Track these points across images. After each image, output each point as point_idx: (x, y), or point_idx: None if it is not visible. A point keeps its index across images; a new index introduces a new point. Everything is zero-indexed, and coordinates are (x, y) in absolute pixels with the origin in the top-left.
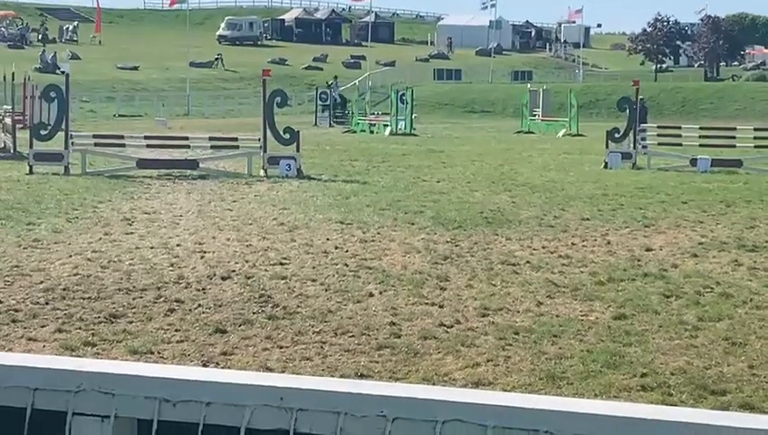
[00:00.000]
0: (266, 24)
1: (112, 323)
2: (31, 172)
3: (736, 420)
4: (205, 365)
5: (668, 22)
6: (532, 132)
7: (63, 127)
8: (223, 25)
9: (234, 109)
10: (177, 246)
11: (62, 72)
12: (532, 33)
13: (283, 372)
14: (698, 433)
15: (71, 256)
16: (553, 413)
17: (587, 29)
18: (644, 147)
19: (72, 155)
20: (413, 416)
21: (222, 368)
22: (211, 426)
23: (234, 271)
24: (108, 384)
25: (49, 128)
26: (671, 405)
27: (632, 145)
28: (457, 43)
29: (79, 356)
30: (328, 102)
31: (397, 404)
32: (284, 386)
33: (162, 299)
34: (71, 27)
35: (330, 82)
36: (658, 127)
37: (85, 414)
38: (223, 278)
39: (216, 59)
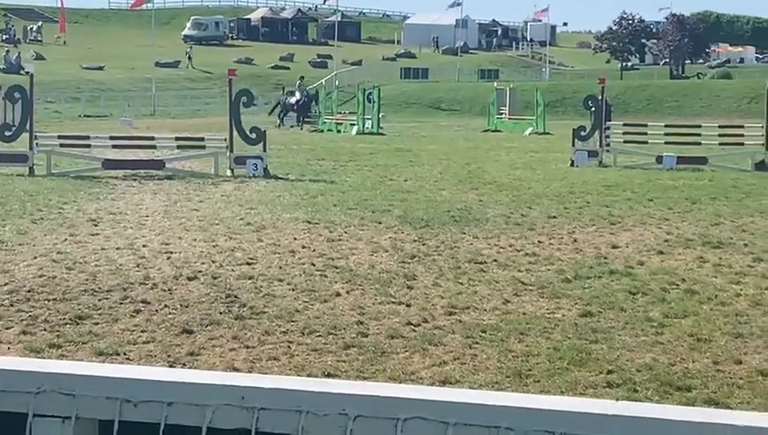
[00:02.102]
0: (232, 24)
1: (78, 324)
2: None
3: (700, 415)
4: (171, 366)
5: (634, 20)
6: (499, 131)
7: (28, 128)
8: (189, 25)
9: (200, 109)
10: (144, 246)
11: (27, 73)
12: (499, 32)
13: (249, 372)
14: (661, 429)
15: (35, 258)
16: (515, 410)
17: (553, 27)
18: (608, 144)
19: (36, 156)
20: (375, 414)
21: (188, 368)
22: (173, 426)
23: (200, 271)
24: (69, 385)
25: (13, 129)
26: (637, 402)
27: (598, 143)
28: (424, 42)
29: (44, 358)
30: (292, 101)
31: (358, 402)
32: (246, 385)
33: (128, 300)
34: (35, 28)
35: (298, 83)
36: (624, 125)
37: (46, 415)
38: (189, 279)
39: (187, 56)
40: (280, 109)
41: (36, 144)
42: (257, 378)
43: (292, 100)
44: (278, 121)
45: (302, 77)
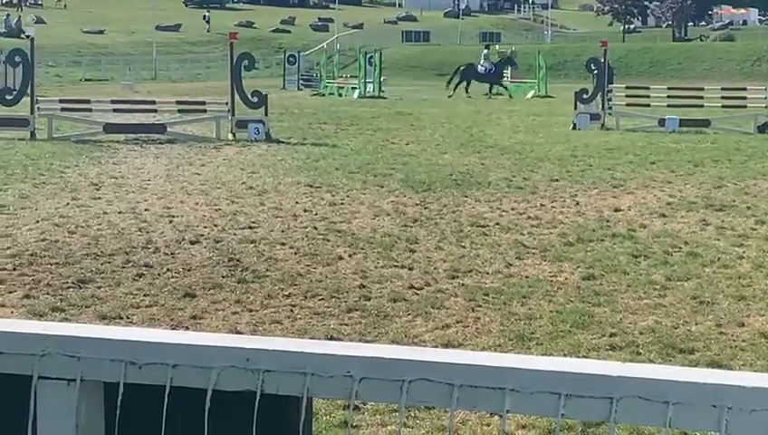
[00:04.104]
0: None
1: (81, 288)
2: None
3: (701, 376)
4: (174, 329)
5: None
6: (500, 94)
7: (29, 92)
8: None
9: (201, 72)
10: (146, 210)
11: (27, 37)
12: None
13: (253, 335)
14: (663, 389)
15: (38, 222)
16: (519, 371)
17: None
18: (610, 107)
19: (38, 120)
20: (380, 376)
21: (192, 332)
22: (178, 388)
23: (202, 235)
24: (73, 348)
25: (14, 93)
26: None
27: (600, 106)
28: (425, 5)
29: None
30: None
31: (364, 364)
32: (251, 347)
33: (131, 264)
34: None
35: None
36: (627, 87)
37: (51, 378)
38: (192, 242)
39: (205, 20)
40: (458, 78)
41: (37, 108)
42: (262, 340)
43: (481, 69)
44: (451, 92)
45: (488, 45)
